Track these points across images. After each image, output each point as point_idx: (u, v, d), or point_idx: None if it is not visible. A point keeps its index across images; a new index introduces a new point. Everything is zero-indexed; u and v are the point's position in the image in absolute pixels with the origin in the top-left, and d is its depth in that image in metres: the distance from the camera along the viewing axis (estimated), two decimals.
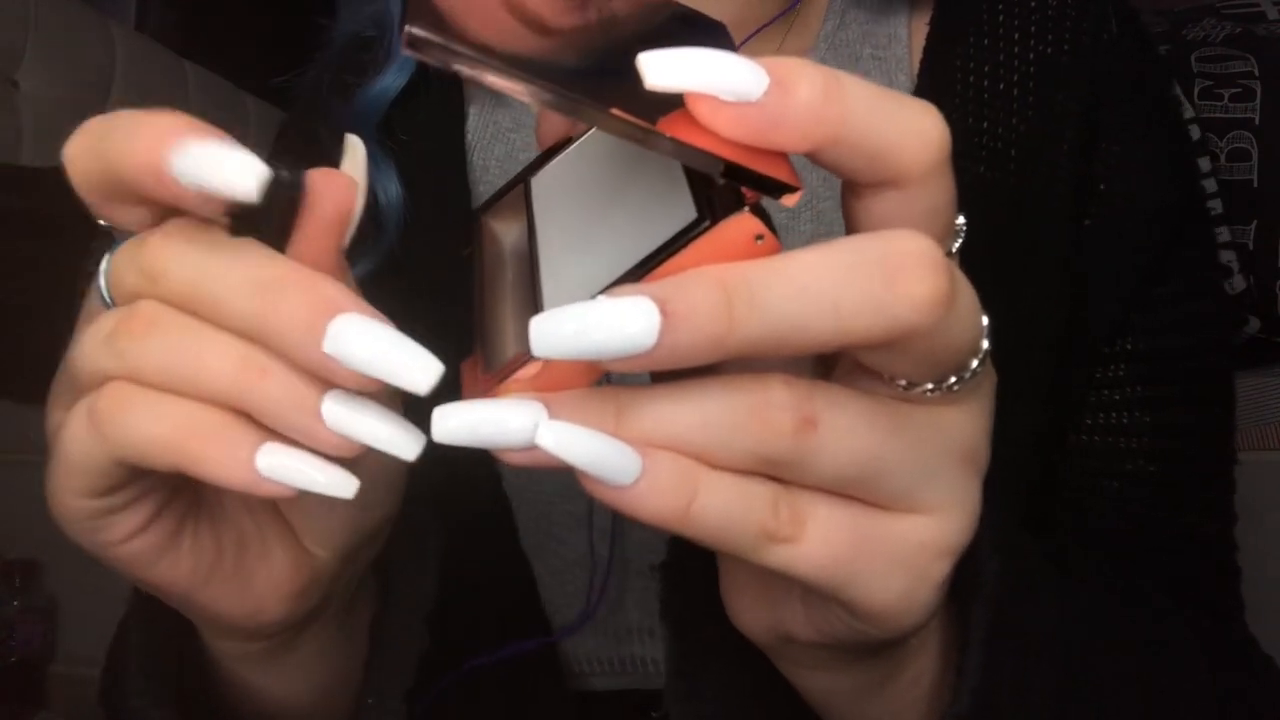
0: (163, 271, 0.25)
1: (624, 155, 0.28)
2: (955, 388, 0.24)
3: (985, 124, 0.50)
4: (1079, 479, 0.50)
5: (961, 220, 0.26)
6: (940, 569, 0.26)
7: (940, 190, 0.24)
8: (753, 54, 0.22)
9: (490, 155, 0.56)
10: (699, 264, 0.22)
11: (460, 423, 0.23)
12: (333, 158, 0.29)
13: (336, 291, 0.24)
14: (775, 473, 0.24)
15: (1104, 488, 0.50)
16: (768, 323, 0.21)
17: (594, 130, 0.30)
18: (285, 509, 0.32)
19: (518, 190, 0.31)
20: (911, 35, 0.54)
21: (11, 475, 1.12)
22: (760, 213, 0.23)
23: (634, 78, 0.22)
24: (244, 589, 0.31)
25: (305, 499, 0.30)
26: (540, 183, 0.30)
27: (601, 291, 0.22)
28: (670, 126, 0.23)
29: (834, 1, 0.55)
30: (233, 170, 0.23)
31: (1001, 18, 0.51)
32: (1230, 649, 0.47)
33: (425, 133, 0.56)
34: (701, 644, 0.35)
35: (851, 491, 0.24)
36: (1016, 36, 0.51)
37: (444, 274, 0.51)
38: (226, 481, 0.25)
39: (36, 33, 1.47)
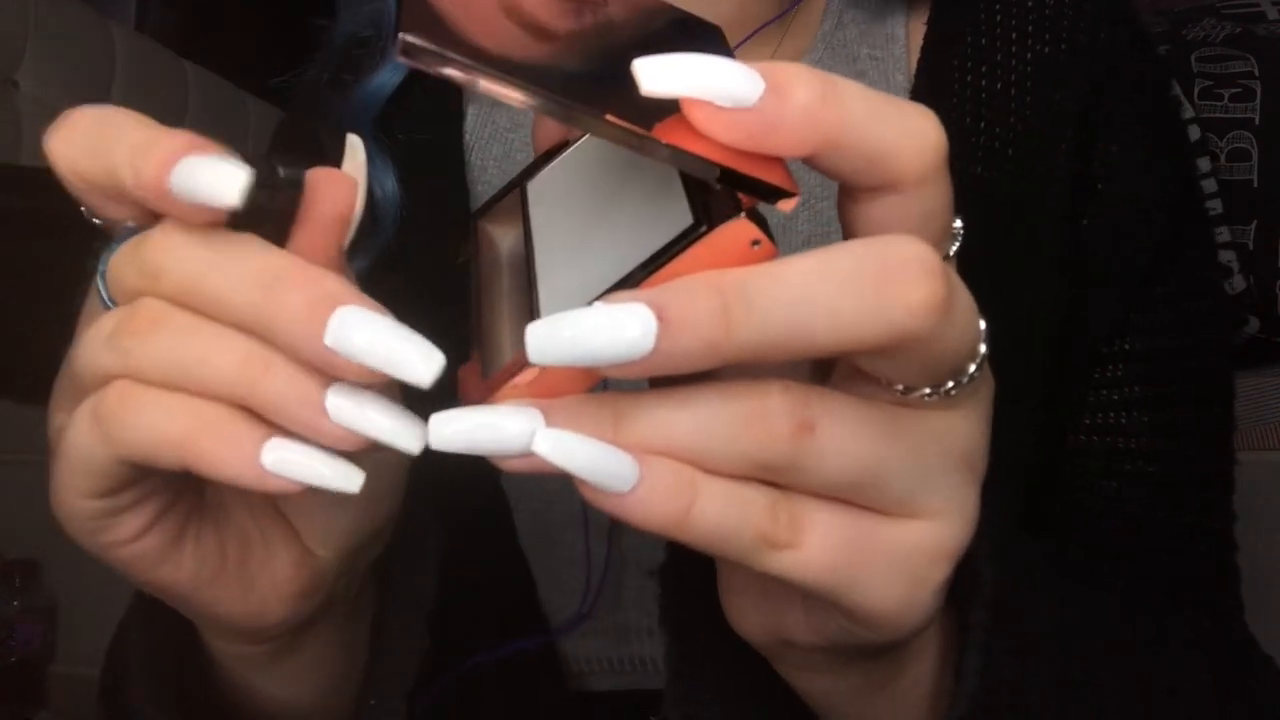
0: (163, 269, 0.25)
1: (620, 160, 0.28)
2: (953, 392, 0.24)
3: (983, 124, 0.50)
4: (1078, 479, 0.50)
5: (959, 223, 0.26)
6: (939, 573, 0.26)
7: (937, 194, 0.24)
8: (750, 55, 0.22)
9: (488, 155, 0.56)
10: (695, 270, 0.22)
11: (457, 430, 0.23)
12: (331, 156, 0.29)
13: (337, 285, 0.24)
14: (773, 478, 0.24)
15: (1103, 488, 0.50)
16: (765, 328, 0.21)
17: (590, 135, 0.30)
18: (287, 509, 0.32)
19: (514, 195, 0.31)
20: (909, 35, 0.54)
21: (11, 475, 1.12)
22: (757, 218, 0.23)
23: (630, 83, 0.22)
24: (246, 590, 0.31)
25: (308, 498, 0.30)
26: (536, 187, 0.30)
27: (598, 297, 0.22)
28: (666, 132, 0.23)
29: (831, 2, 0.55)
30: (217, 179, 0.24)
31: (999, 18, 0.51)
32: (1230, 649, 0.47)
33: (423, 132, 0.56)
34: (700, 647, 0.35)
35: (849, 497, 0.24)
36: (1014, 36, 0.51)
37: (441, 275, 0.51)
38: (232, 478, 0.25)
39: (36, 33, 1.47)
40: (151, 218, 0.26)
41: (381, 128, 0.55)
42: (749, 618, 0.30)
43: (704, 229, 0.23)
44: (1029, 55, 0.50)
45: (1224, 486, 0.52)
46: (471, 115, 0.57)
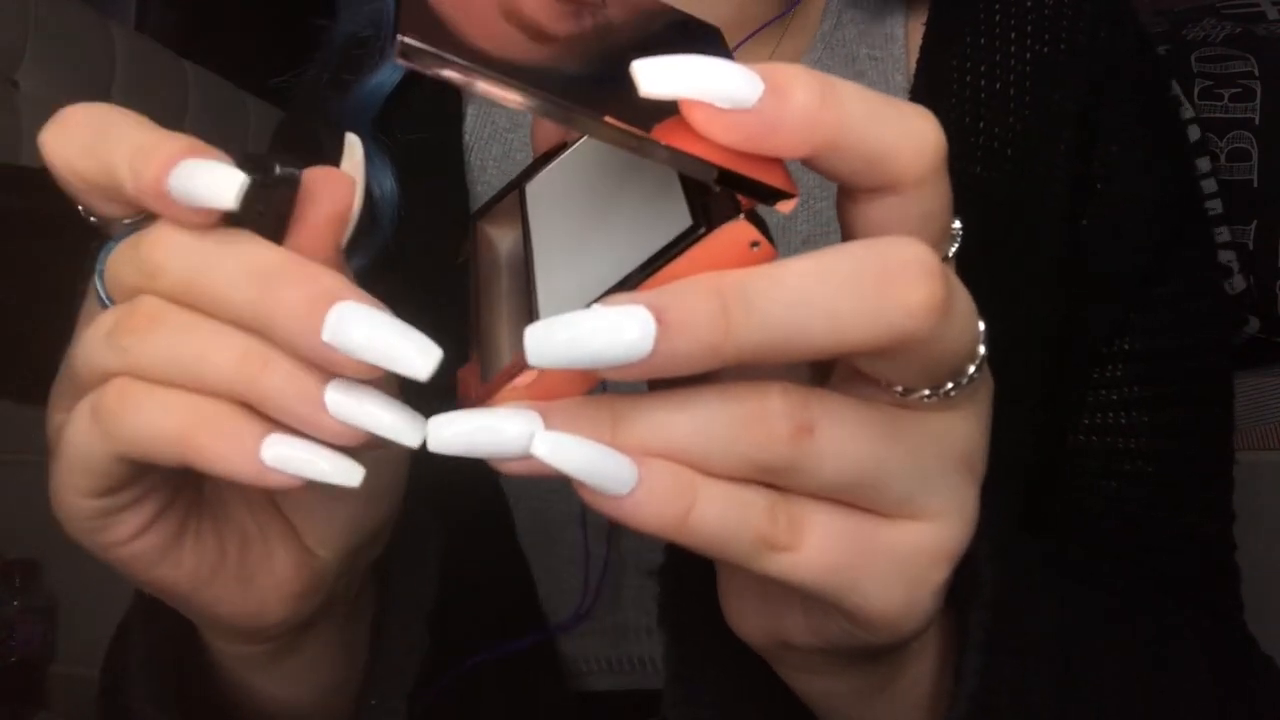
0: (161, 267, 0.25)
1: (619, 162, 0.28)
2: (952, 394, 0.24)
3: (982, 124, 0.50)
4: (1077, 479, 0.50)
5: (958, 224, 0.26)
6: (939, 575, 0.26)
7: (936, 195, 0.24)
8: (749, 55, 0.22)
9: (487, 155, 0.56)
10: (694, 271, 0.22)
11: (456, 432, 0.23)
12: (330, 155, 0.29)
13: (334, 281, 0.24)
14: (772, 480, 0.24)
15: (1102, 488, 0.50)
16: (764, 330, 0.21)
17: (589, 137, 0.30)
18: (287, 508, 0.32)
19: (513, 196, 0.31)
20: (908, 35, 0.54)
21: (11, 475, 1.12)
22: (756, 219, 0.23)
23: (629, 85, 0.22)
24: (246, 589, 0.31)
25: (307, 495, 0.30)
26: (535, 189, 0.30)
27: (597, 299, 0.22)
28: (665, 134, 0.23)
29: (831, 2, 0.55)
30: (214, 182, 0.24)
31: (998, 17, 0.51)
32: (1230, 649, 0.47)
33: (423, 132, 0.56)
34: (700, 649, 0.35)
35: (849, 498, 0.24)
36: (1013, 36, 0.51)
37: (440, 275, 0.51)
38: (232, 473, 0.25)
39: (36, 33, 1.47)
40: (147, 215, 0.26)
41: (381, 127, 0.55)
42: (748, 619, 0.30)
43: (703, 231, 0.23)
44: (1028, 55, 0.50)
45: (1224, 486, 0.52)
46: (471, 115, 0.57)
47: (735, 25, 0.52)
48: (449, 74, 0.22)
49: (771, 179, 0.23)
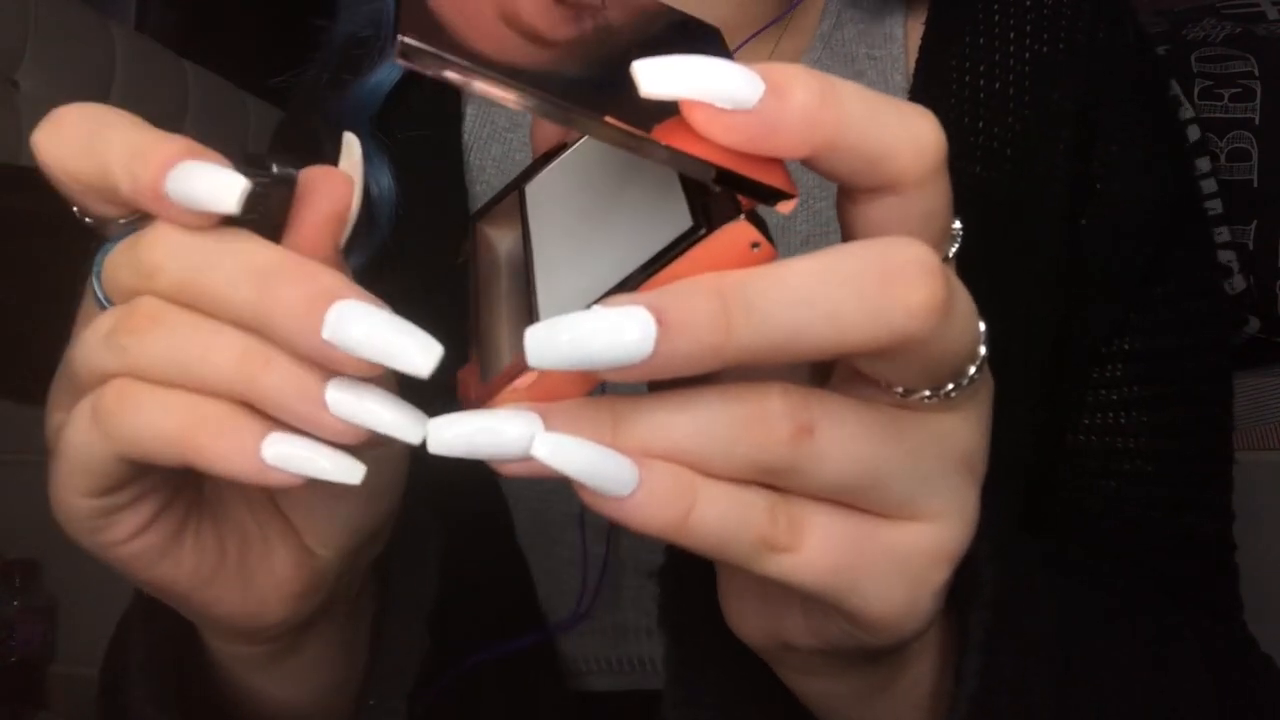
0: (159, 267, 0.25)
1: (619, 163, 0.28)
2: (953, 394, 0.24)
3: (981, 123, 0.50)
4: (1077, 479, 0.50)
5: (958, 225, 0.26)
6: (939, 576, 0.26)
7: (936, 195, 0.24)
8: (748, 55, 0.22)
9: (487, 155, 0.56)
10: (695, 272, 0.22)
11: (456, 434, 0.23)
12: (330, 155, 0.29)
13: (333, 279, 0.24)
14: (773, 481, 0.24)
15: (1102, 488, 0.50)
16: (765, 331, 0.21)
17: (589, 137, 0.30)
18: (287, 508, 0.32)
19: (512, 197, 0.31)
20: (907, 35, 0.54)
21: (11, 475, 1.12)
22: (756, 220, 0.23)
23: (629, 85, 0.22)
24: (246, 589, 0.31)
25: (308, 494, 0.30)
26: (535, 189, 0.30)
27: (597, 300, 0.22)
28: (665, 134, 0.22)
29: (830, 2, 0.55)
30: (215, 186, 0.24)
31: (997, 17, 0.51)
32: (1229, 649, 0.47)
33: (422, 133, 0.56)
34: (700, 650, 0.35)
35: (849, 499, 0.24)
36: (1012, 36, 0.51)
37: (439, 275, 0.51)
38: (233, 473, 0.25)
39: (36, 33, 1.47)
40: (143, 215, 0.26)
41: (380, 127, 0.55)
42: (748, 621, 0.30)
43: (703, 231, 0.23)
44: (1027, 55, 0.50)
45: (1223, 486, 0.52)
46: (470, 116, 0.57)
47: (734, 26, 0.52)
48: (449, 74, 0.22)
49: (772, 179, 0.23)
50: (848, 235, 0.25)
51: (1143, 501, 0.49)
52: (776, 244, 0.24)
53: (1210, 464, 0.52)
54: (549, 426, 0.23)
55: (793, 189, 0.23)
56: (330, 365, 0.24)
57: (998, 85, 0.50)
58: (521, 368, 0.24)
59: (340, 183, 0.27)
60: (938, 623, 0.31)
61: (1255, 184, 1.15)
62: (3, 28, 1.42)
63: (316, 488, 0.26)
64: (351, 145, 0.30)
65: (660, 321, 0.21)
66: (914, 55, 0.53)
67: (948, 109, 0.50)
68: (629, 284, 0.23)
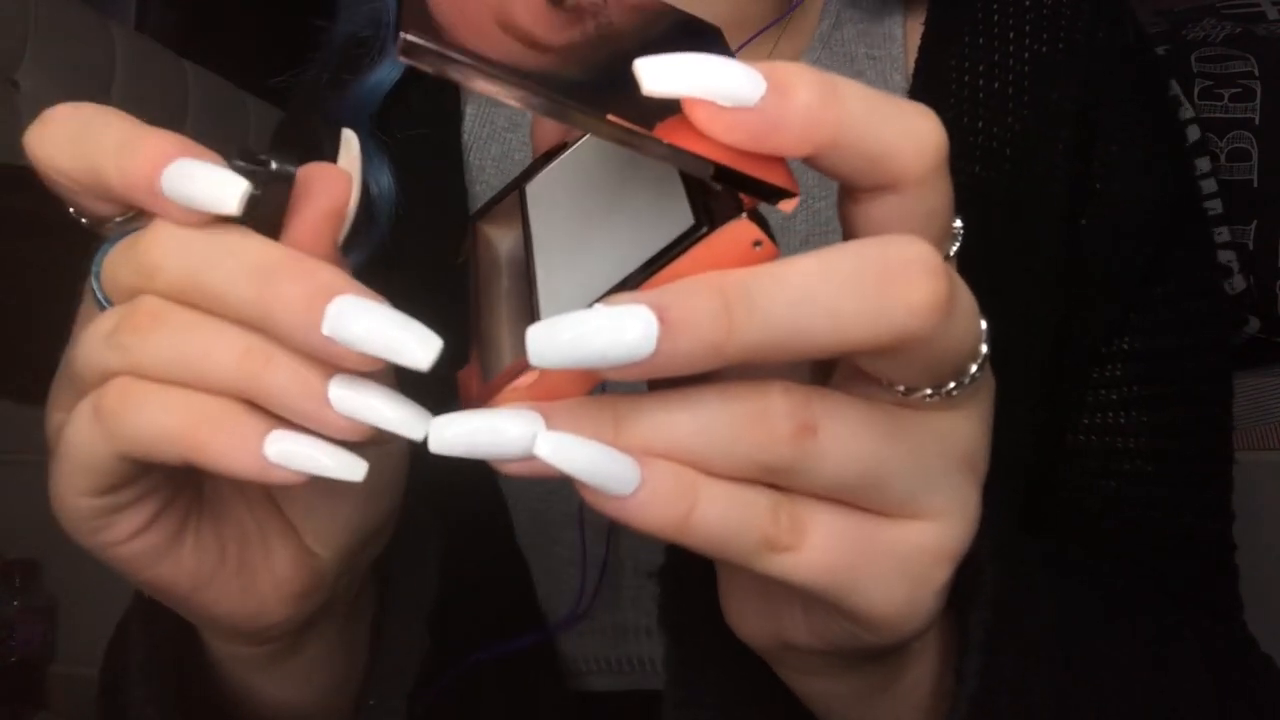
0: (159, 266, 0.25)
1: (620, 161, 0.28)
2: (954, 393, 0.24)
3: (980, 124, 0.50)
4: (1077, 479, 0.50)
5: (959, 224, 0.26)
6: (941, 575, 0.26)
7: (938, 194, 0.24)
8: (747, 55, 0.22)
9: (486, 155, 0.56)
10: (697, 271, 0.22)
11: (457, 433, 0.23)
12: (329, 154, 0.29)
13: (332, 275, 0.24)
14: (774, 480, 0.24)
15: (1101, 488, 0.50)
16: (767, 329, 0.21)
17: (589, 136, 0.30)
18: (287, 507, 0.32)
19: (513, 197, 0.31)
20: (907, 35, 0.54)
21: (11, 475, 1.12)
22: (758, 219, 0.23)
23: (631, 85, 0.22)
24: (246, 589, 0.31)
25: (309, 494, 0.30)
26: (535, 189, 0.30)
27: (598, 299, 0.22)
28: (667, 132, 0.22)
29: (829, 2, 0.55)
30: (215, 187, 0.24)
31: (996, 17, 0.51)
32: (1229, 649, 0.47)
33: (421, 132, 0.56)
34: (700, 650, 0.35)
35: (851, 498, 0.24)
36: (1011, 36, 0.51)
37: (439, 275, 0.51)
38: (236, 470, 0.25)
39: (36, 33, 1.47)
40: (138, 214, 0.27)
41: (379, 126, 0.55)
42: (749, 620, 0.30)
43: (705, 230, 0.23)
44: (1026, 55, 0.50)
45: (1223, 486, 0.52)
46: (470, 115, 0.57)
47: (733, 26, 0.52)
48: (451, 72, 0.22)
49: (774, 177, 0.23)
50: (849, 234, 0.25)
51: (1143, 501, 0.49)
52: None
53: (1210, 464, 0.52)
54: (551, 426, 0.23)
55: (795, 187, 0.23)
56: (331, 360, 0.24)
57: (997, 85, 0.50)
58: (523, 367, 0.24)
59: (338, 179, 0.27)
60: (938, 623, 0.31)
61: (1255, 184, 1.15)
62: (3, 28, 1.42)
63: (317, 486, 0.26)
64: (350, 142, 0.30)
65: (662, 320, 0.21)
66: (913, 55, 0.53)
67: (947, 109, 0.50)
68: (630, 283, 0.23)
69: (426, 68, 0.22)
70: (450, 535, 0.40)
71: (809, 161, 0.23)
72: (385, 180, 0.54)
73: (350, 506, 0.31)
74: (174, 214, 0.25)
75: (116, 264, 0.26)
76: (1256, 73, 1.17)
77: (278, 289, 0.24)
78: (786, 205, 0.24)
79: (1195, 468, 0.51)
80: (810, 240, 0.51)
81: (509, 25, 0.25)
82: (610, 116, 0.22)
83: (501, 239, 0.31)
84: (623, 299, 0.22)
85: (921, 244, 0.22)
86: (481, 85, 0.22)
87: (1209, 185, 1.15)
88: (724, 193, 0.24)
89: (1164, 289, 0.50)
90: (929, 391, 0.24)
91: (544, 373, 0.24)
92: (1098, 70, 0.50)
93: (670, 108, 0.22)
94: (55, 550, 1.37)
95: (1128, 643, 0.41)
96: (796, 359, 0.22)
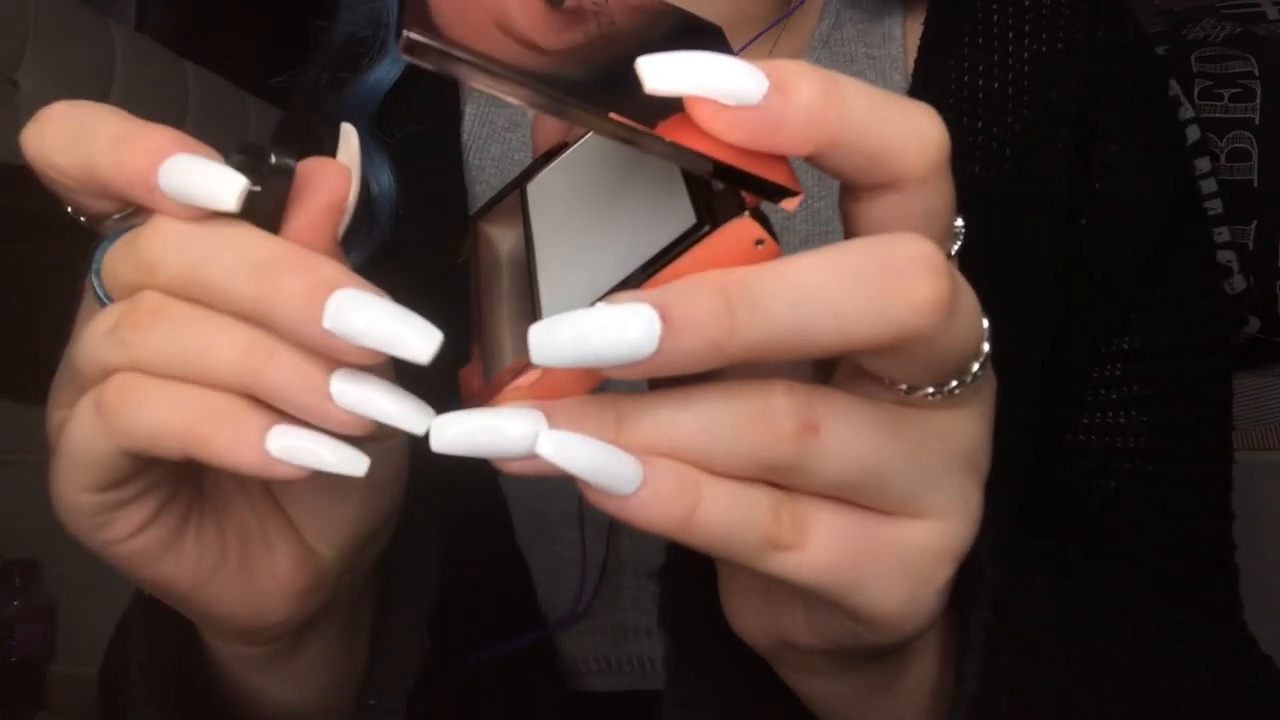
0: (159, 262, 0.25)
1: (621, 160, 0.28)
2: (956, 391, 0.24)
3: (980, 123, 0.50)
4: (1077, 479, 0.50)
5: (960, 223, 0.26)
6: (943, 574, 0.26)
7: (939, 192, 0.24)
8: (747, 56, 0.22)
9: (486, 154, 0.56)
10: (699, 270, 0.22)
11: (458, 432, 0.23)
12: (329, 152, 0.29)
13: (332, 269, 0.25)
14: (777, 479, 0.24)
15: (1101, 487, 0.50)
16: (769, 328, 0.21)
17: (590, 135, 0.30)
18: (289, 505, 0.32)
19: (513, 196, 0.31)
20: (906, 35, 0.54)
21: (11, 475, 1.12)
22: (760, 217, 0.23)
23: (633, 84, 0.22)
24: (247, 588, 0.31)
25: (310, 491, 0.30)
26: (536, 188, 0.30)
27: (600, 298, 0.22)
28: (669, 131, 0.22)
29: (829, 2, 0.55)
30: (213, 184, 0.24)
31: (996, 17, 0.51)
32: (1229, 649, 0.47)
33: (421, 132, 0.56)
34: (700, 650, 0.35)
35: (853, 497, 0.24)
36: (1011, 36, 0.51)
37: (439, 274, 0.51)
38: (238, 465, 0.25)
39: (36, 33, 1.46)
40: (136, 210, 0.27)
41: (379, 125, 0.55)
42: (750, 619, 0.30)
43: (707, 228, 0.23)
44: (1026, 55, 0.50)
45: (1223, 486, 0.52)
46: (469, 115, 0.57)
47: (733, 26, 0.52)
48: (453, 69, 0.22)
49: (776, 176, 0.23)
50: (850, 233, 0.25)
51: (1143, 501, 0.49)
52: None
53: (1210, 464, 0.52)
54: (552, 424, 0.23)
55: (797, 186, 0.23)
56: (332, 354, 0.24)
57: (997, 85, 0.50)
58: (524, 366, 0.24)
59: (338, 174, 0.27)
60: (939, 622, 0.31)
61: (1255, 184, 1.15)
62: (3, 28, 1.42)
63: (318, 483, 0.26)
64: (349, 136, 0.30)
65: (664, 318, 0.21)
66: (913, 55, 0.53)
67: (947, 109, 0.49)
68: (632, 281, 0.23)
69: (428, 65, 0.22)
70: (450, 535, 0.40)
71: (811, 160, 0.23)
72: (385, 179, 0.54)
73: (351, 504, 0.31)
74: (172, 210, 0.25)
75: (117, 260, 0.26)
76: (1256, 73, 1.17)
77: (278, 283, 0.24)
78: (789, 204, 0.24)
79: (1195, 468, 0.51)
80: (810, 240, 0.51)
81: (507, 27, 0.25)
82: (612, 114, 0.22)
83: (502, 238, 0.31)
84: (624, 297, 0.21)
85: (924, 242, 0.22)
86: (483, 83, 0.22)
87: (1209, 185, 1.15)
88: (726, 192, 0.24)
89: (1164, 289, 0.50)
90: (931, 390, 0.24)
91: (546, 372, 0.24)
92: (1098, 70, 0.50)
93: (672, 107, 0.22)
94: (55, 550, 1.37)
95: (1128, 643, 0.41)
96: (799, 358, 0.22)
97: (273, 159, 0.25)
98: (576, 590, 0.51)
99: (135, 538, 0.28)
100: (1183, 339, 0.50)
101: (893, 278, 0.21)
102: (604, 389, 0.24)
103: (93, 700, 0.41)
